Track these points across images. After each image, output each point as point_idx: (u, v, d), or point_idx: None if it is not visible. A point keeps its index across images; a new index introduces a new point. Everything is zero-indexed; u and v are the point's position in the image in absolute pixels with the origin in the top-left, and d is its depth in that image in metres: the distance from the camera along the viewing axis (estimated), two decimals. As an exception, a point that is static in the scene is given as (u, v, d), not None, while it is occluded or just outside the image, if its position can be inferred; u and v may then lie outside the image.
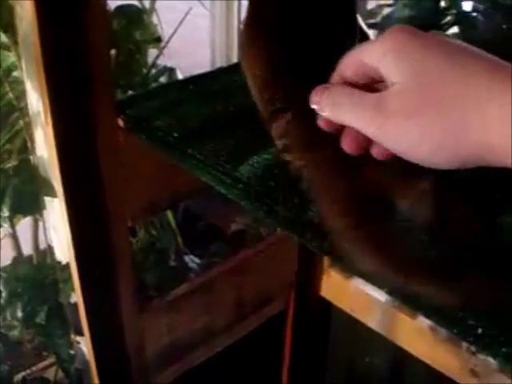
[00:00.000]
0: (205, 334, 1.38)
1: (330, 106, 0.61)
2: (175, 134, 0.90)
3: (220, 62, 2.40)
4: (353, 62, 0.60)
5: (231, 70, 1.14)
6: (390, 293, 0.65)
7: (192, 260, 1.66)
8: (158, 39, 1.26)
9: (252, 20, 0.89)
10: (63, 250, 1.20)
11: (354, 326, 1.57)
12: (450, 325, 0.63)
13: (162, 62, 1.55)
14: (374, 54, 0.57)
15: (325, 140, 0.66)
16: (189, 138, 0.89)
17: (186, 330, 1.33)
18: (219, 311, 1.38)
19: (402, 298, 0.64)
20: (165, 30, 1.45)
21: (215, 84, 1.06)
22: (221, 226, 1.91)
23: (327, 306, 1.63)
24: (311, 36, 0.83)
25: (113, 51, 1.21)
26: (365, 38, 0.86)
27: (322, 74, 0.70)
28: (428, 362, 1.39)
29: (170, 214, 1.61)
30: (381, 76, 0.57)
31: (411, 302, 0.64)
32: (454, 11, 1.62)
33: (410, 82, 0.54)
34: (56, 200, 1.05)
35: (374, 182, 0.71)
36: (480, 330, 0.61)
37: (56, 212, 1.15)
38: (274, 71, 0.82)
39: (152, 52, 1.44)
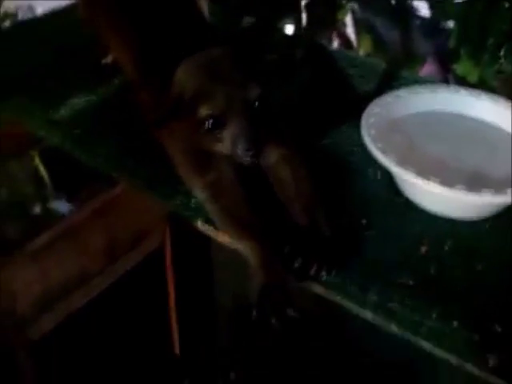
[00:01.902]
0: (77, 279, 1.35)
1: None
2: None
3: None
4: None
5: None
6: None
7: (64, 205, 1.62)
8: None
9: None
10: None
11: (235, 255, 1.58)
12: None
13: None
14: None
15: None
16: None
17: (56, 277, 1.30)
18: (89, 254, 1.35)
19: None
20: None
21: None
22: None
23: (206, 238, 1.62)
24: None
25: None
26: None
27: None
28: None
29: (37, 159, 1.54)
30: None
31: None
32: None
33: None
34: None
35: None
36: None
37: None
38: None
39: None
